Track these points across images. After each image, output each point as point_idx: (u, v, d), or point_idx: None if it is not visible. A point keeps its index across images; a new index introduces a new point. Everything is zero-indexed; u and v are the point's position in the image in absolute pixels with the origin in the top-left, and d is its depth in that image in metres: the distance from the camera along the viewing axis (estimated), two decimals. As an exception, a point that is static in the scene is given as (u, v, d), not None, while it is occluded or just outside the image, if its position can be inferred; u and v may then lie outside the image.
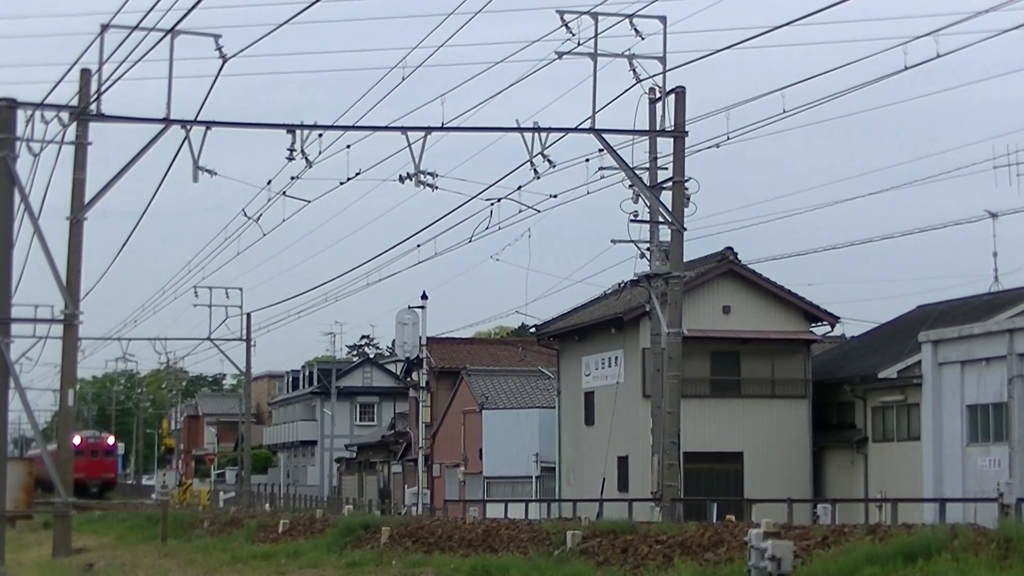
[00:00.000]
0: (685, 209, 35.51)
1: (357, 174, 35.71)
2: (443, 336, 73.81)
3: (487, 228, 37.04)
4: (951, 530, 17.32)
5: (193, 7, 28.01)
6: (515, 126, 33.88)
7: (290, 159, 33.74)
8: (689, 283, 39.48)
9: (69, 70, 35.17)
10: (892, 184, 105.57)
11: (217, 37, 32.59)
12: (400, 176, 33.68)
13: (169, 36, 32.28)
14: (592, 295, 55.83)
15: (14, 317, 36.04)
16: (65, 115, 34.75)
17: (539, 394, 64.40)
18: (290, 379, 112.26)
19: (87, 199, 35.41)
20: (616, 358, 51.64)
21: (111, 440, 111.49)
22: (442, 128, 33.95)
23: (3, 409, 35.63)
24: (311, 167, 34.16)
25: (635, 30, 33.82)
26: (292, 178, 36.49)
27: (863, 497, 45.57)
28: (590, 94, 33.60)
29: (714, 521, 29.37)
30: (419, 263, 43.61)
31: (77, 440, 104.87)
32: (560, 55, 33.63)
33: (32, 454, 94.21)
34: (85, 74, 34.92)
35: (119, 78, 33.48)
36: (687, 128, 36.00)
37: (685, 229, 35.67)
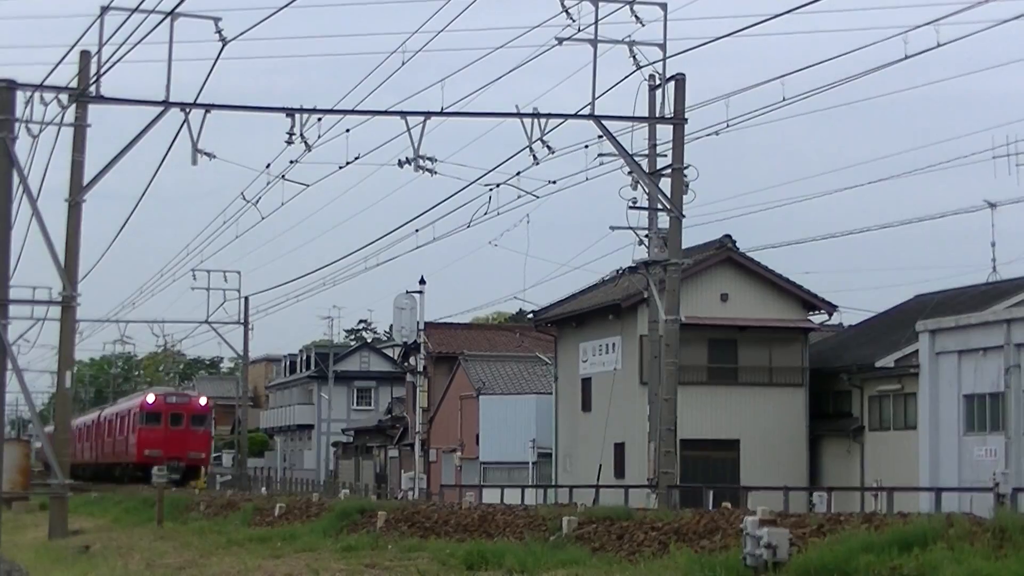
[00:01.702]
0: (684, 196, 35.51)
1: (356, 158, 35.74)
2: (441, 321, 73.76)
3: (486, 213, 37.14)
4: (947, 519, 17.32)
5: (193, -11, 28.03)
6: (515, 112, 33.89)
7: (289, 143, 33.78)
8: (687, 270, 39.46)
9: (69, 52, 35.27)
10: (891, 173, 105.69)
11: (217, 20, 32.66)
12: (399, 161, 33.71)
13: (169, 18, 32.30)
14: (590, 281, 55.87)
15: (12, 298, 36.05)
16: (64, 97, 34.77)
17: (536, 380, 64.38)
18: (287, 363, 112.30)
19: (86, 181, 35.42)
20: (614, 345, 51.64)
21: (203, 401, 75.65)
22: (442, 113, 33.96)
23: (0, 390, 35.69)
24: (310, 151, 34.24)
25: (635, 16, 33.82)
26: (291, 162, 36.56)
27: (859, 486, 45.60)
28: (590, 80, 33.67)
29: (710, 508, 29.36)
30: (417, 248, 43.78)
31: (151, 399, 73.67)
32: (560, 41, 33.63)
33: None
34: (85, 56, 34.92)
35: (119, 60, 33.55)
36: (687, 115, 36.04)
37: (684, 216, 35.67)
